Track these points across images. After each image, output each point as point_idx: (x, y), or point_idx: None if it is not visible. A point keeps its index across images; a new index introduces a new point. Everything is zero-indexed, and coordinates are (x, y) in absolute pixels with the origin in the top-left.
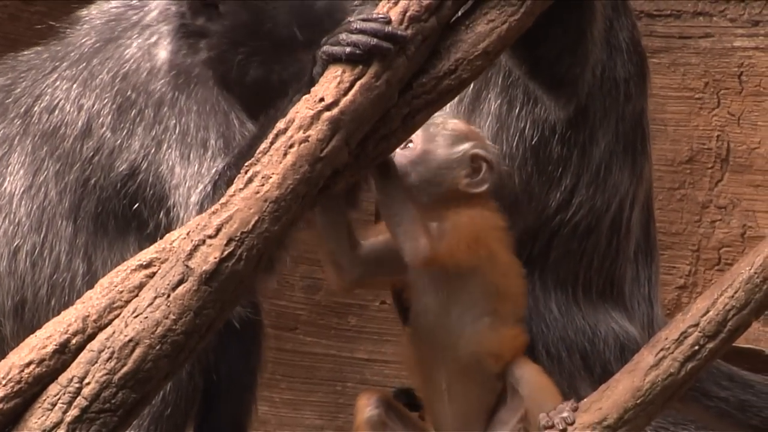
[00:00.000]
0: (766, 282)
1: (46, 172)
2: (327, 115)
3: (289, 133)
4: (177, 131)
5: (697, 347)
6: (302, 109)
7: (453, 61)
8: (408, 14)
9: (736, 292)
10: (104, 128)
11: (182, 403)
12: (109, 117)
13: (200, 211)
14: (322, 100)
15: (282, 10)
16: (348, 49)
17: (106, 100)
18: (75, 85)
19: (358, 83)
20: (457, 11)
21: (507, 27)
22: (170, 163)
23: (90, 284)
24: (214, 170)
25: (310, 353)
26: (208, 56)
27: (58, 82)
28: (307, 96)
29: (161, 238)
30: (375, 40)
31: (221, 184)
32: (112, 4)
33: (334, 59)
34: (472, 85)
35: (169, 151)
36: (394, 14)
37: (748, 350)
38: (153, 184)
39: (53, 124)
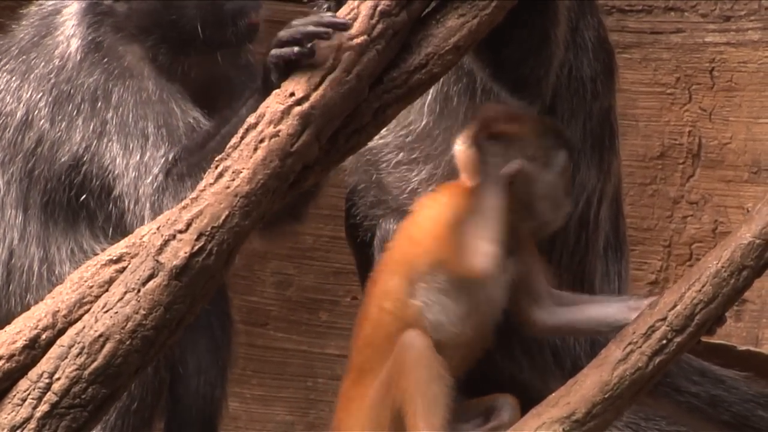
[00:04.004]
0: (733, 276)
1: None
2: (297, 109)
3: (259, 127)
4: (115, 123)
5: (665, 341)
6: (273, 103)
7: (424, 55)
8: (379, 9)
9: (703, 286)
10: (43, 120)
11: (148, 397)
12: (46, 109)
13: (156, 201)
14: (292, 94)
15: (189, 5)
16: (296, 49)
17: (43, 93)
18: (14, 78)
19: (329, 78)
20: (428, 5)
21: (478, 21)
22: (112, 154)
23: (48, 269)
24: (162, 159)
25: (281, 349)
26: (118, 37)
27: (0, 75)
28: (277, 90)
29: (113, 228)
30: (313, 28)
31: (173, 175)
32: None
33: (284, 61)
34: (439, 87)
35: (110, 143)
36: (365, 8)
37: (719, 346)
38: (97, 175)
39: None
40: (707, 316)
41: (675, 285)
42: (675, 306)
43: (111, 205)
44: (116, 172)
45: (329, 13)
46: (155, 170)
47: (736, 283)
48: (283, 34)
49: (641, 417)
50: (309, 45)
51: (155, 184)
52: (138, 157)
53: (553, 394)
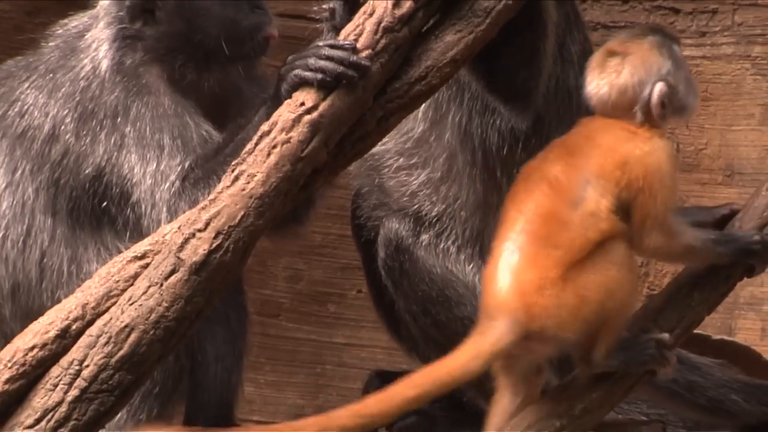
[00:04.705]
0: (718, 280)
1: (22, 171)
2: (307, 118)
3: (272, 134)
4: (133, 136)
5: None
6: (284, 112)
7: (423, 68)
8: (382, 25)
9: (690, 290)
10: (69, 135)
11: (170, 382)
12: (72, 125)
13: (172, 205)
14: (302, 104)
15: (212, 24)
16: (319, 76)
17: (69, 110)
18: (41, 95)
19: (336, 89)
20: (428, 22)
21: (473, 37)
22: (130, 164)
23: (76, 267)
24: (179, 167)
25: (292, 338)
26: (144, 58)
27: (29, 90)
28: (289, 100)
29: (131, 231)
30: (341, 68)
31: (189, 180)
32: (77, 19)
33: (305, 82)
34: (436, 98)
35: (129, 154)
36: (369, 25)
37: (695, 335)
38: (117, 184)
39: (24, 127)
40: (693, 318)
41: (664, 289)
42: (665, 309)
43: (129, 210)
44: (134, 180)
45: (351, 43)
46: (172, 177)
47: (721, 288)
48: (312, 62)
49: (625, 401)
50: (329, 79)
51: (172, 190)
52: (154, 166)
53: (552, 389)
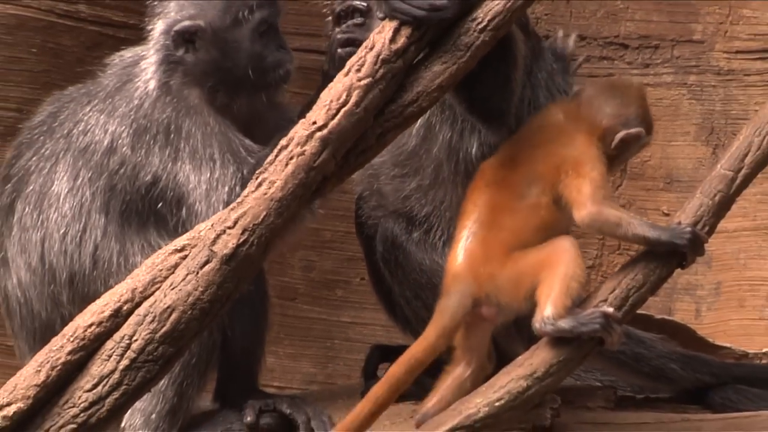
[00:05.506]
0: (658, 267)
1: (82, 178)
2: (318, 134)
3: (289, 148)
4: (186, 151)
5: None
6: (300, 130)
7: (415, 93)
8: (381, 57)
9: (636, 275)
10: (125, 147)
11: (204, 354)
12: (128, 139)
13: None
14: (314, 123)
15: (242, 56)
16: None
17: (125, 127)
18: (102, 116)
19: (343, 110)
20: (419, 55)
21: (457, 67)
22: (186, 173)
23: (124, 259)
24: (238, 175)
25: (306, 318)
26: (185, 81)
27: (90, 113)
28: (303, 120)
29: (182, 229)
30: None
31: (246, 184)
32: (131, 51)
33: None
34: (427, 119)
35: (183, 165)
36: (370, 57)
37: (640, 315)
38: (172, 189)
39: (86, 143)
40: (638, 298)
41: (613, 274)
42: (614, 290)
43: (183, 211)
44: (190, 187)
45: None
46: (232, 182)
47: (660, 273)
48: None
49: (581, 369)
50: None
51: (232, 195)
52: (208, 175)
53: (520, 357)
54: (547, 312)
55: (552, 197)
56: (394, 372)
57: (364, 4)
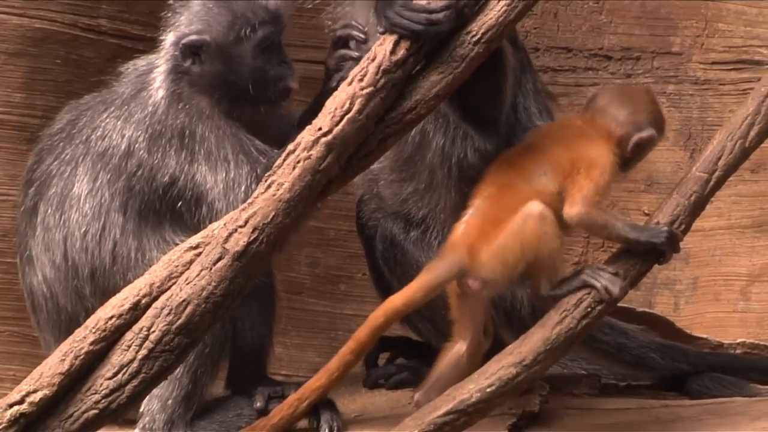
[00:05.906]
0: (638, 263)
1: (101, 180)
2: (324, 140)
3: (296, 152)
4: (202, 153)
5: (590, 309)
6: (306, 135)
7: (413, 101)
8: (382, 68)
9: (618, 270)
10: (142, 151)
11: (217, 344)
12: (144, 143)
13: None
14: (320, 129)
15: (244, 69)
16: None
17: (141, 132)
18: (119, 122)
19: (346, 117)
20: (417, 65)
21: (452, 77)
22: (203, 174)
23: (141, 255)
24: (253, 174)
25: (312, 311)
26: (192, 90)
27: (108, 119)
28: (309, 126)
29: (202, 226)
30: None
31: (260, 182)
32: (144, 59)
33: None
34: (421, 127)
35: (200, 167)
36: (372, 68)
37: (623, 308)
38: (191, 189)
39: (104, 147)
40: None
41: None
42: None
43: (205, 209)
44: (207, 186)
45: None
46: (248, 182)
47: (640, 268)
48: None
49: (568, 358)
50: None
51: (249, 192)
52: (224, 174)
53: (509, 346)
54: (543, 288)
55: (558, 188)
56: (374, 317)
57: (362, 36)
